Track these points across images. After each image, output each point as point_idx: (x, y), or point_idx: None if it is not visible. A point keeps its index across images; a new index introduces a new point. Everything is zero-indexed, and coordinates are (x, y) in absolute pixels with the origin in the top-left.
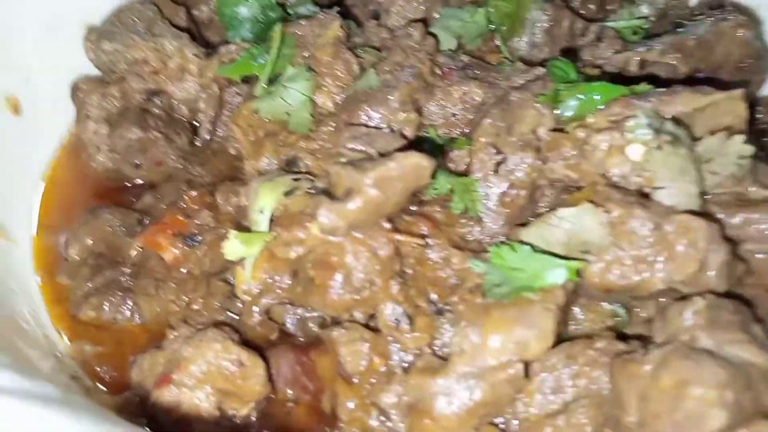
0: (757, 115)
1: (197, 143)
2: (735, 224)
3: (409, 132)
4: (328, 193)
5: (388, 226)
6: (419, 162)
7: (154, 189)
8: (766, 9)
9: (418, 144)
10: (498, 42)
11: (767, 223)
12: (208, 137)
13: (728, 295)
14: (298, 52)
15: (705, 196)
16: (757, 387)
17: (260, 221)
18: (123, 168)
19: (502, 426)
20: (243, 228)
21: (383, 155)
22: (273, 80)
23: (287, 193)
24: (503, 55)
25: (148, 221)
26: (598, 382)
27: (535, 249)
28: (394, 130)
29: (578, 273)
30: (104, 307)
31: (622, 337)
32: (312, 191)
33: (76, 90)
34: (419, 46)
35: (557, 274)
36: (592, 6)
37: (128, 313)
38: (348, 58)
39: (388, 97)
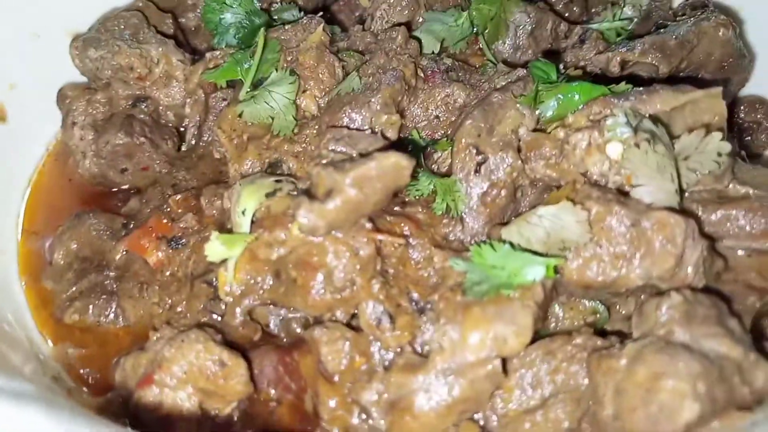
0: (740, 115)
1: (183, 148)
2: (714, 221)
3: (392, 134)
4: (309, 194)
5: (369, 226)
6: (399, 162)
7: (139, 194)
8: (748, 9)
9: (400, 145)
10: (481, 45)
11: (746, 219)
12: (193, 142)
13: (706, 290)
14: (282, 56)
15: (684, 194)
16: (730, 379)
17: (242, 223)
18: (109, 173)
19: (481, 422)
20: (226, 230)
21: (364, 156)
22: (257, 84)
23: (269, 195)
24: (487, 58)
25: (132, 225)
26: (576, 378)
27: (514, 247)
28: (376, 131)
29: (556, 270)
30: (88, 310)
31: (602, 334)
32: (294, 193)
33: (62, 97)
34: (402, 49)
35: (535, 271)
36: (575, 8)
37: (112, 316)
38: (331, 61)
39: (371, 99)
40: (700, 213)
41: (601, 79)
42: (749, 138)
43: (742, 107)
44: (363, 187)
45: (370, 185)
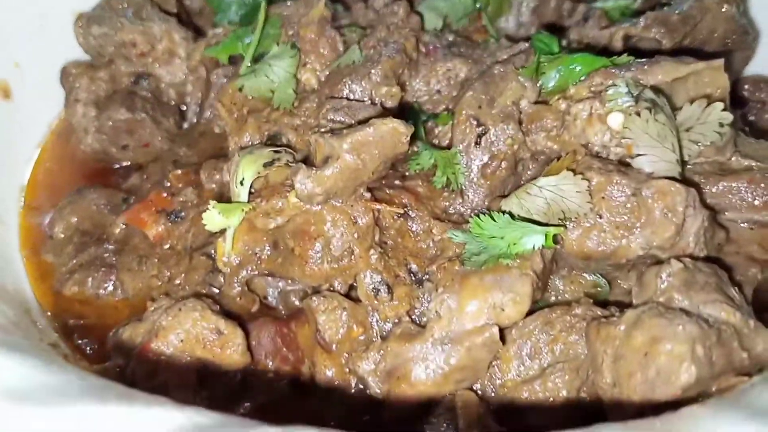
0: (744, 94)
1: (184, 126)
2: (716, 193)
3: (391, 105)
4: (307, 162)
5: (368, 196)
6: (397, 128)
7: (140, 170)
8: None
9: (400, 115)
10: (484, 21)
11: (748, 191)
12: (195, 120)
13: (707, 260)
14: (283, 31)
15: (686, 165)
16: (729, 344)
17: (240, 192)
18: (110, 149)
19: (479, 392)
20: (225, 200)
21: (362, 123)
22: (258, 59)
23: (267, 164)
24: (489, 34)
25: (133, 200)
26: (575, 347)
27: (514, 217)
28: (375, 103)
29: (556, 239)
30: (88, 282)
31: (603, 305)
32: (292, 163)
33: (65, 74)
34: (403, 22)
35: (535, 240)
36: None
37: (111, 288)
38: (332, 35)
39: (371, 71)
40: (701, 185)
41: (604, 53)
42: (753, 117)
43: (745, 86)
44: (361, 153)
45: (368, 151)
